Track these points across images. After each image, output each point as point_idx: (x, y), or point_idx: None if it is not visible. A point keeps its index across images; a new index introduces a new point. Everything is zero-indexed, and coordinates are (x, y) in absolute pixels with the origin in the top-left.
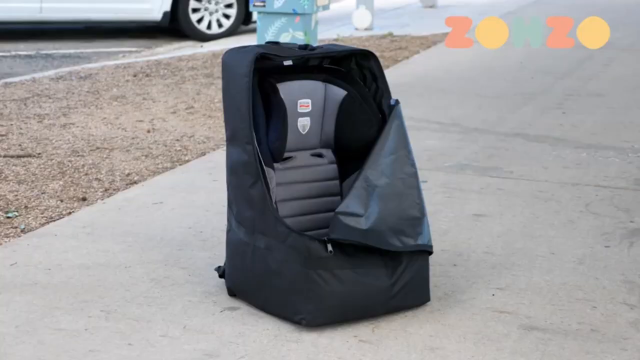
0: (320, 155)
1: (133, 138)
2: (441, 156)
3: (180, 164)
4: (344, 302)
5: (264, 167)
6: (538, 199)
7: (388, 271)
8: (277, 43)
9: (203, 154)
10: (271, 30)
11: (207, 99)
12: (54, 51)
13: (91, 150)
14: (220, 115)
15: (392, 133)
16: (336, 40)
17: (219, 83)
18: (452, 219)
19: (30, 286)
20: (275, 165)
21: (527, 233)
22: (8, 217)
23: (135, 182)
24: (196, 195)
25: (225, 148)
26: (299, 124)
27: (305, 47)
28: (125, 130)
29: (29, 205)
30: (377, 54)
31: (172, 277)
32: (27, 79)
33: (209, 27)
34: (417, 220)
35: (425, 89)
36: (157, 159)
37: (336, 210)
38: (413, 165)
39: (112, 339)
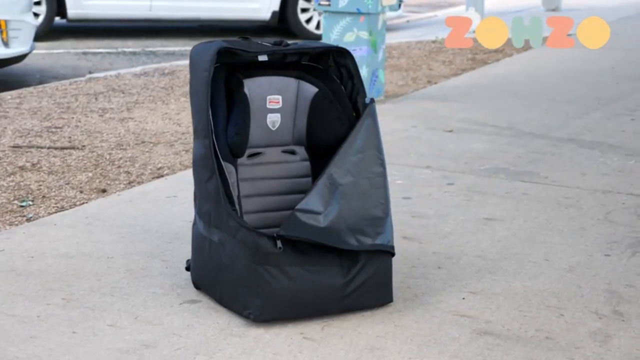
0: (292, 152)
1: (183, 133)
2: (480, 159)
3: None
4: (294, 299)
5: (221, 161)
6: (559, 205)
7: (343, 270)
8: (247, 38)
9: None
10: (336, 30)
11: None
12: (160, 48)
13: (136, 144)
14: None
15: (362, 131)
16: (434, 42)
17: None
18: (459, 222)
19: (5, 272)
20: (241, 160)
21: (530, 239)
22: (21, 206)
23: (162, 176)
24: None
25: None
26: (268, 120)
27: (279, 42)
28: (180, 126)
29: (47, 195)
30: (469, 56)
31: (148, 269)
32: (111, 74)
33: (317, 27)
34: (378, 220)
35: (498, 92)
36: (182, 150)
37: (296, 207)
38: (382, 165)
39: (59, 326)
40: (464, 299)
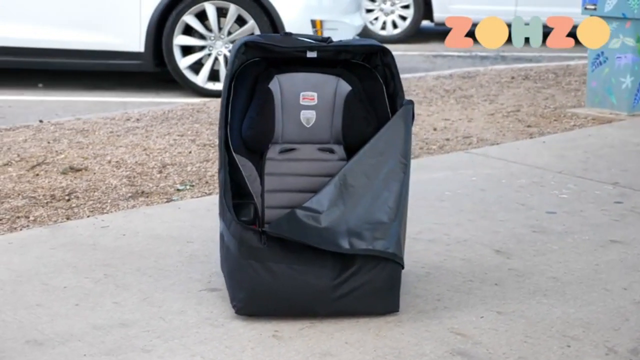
0: (331, 151)
1: None
2: None
3: None
4: (277, 296)
5: (234, 154)
6: None
7: (333, 272)
8: (289, 34)
9: (447, 151)
10: None
11: (543, 105)
12: (513, 53)
13: None
14: (532, 119)
15: (388, 133)
16: None
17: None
18: (578, 242)
19: (86, 246)
20: (272, 155)
21: (636, 267)
22: (178, 190)
23: None
24: None
25: None
26: (302, 116)
27: (325, 39)
28: (414, 126)
29: (211, 182)
30: None
31: (210, 256)
32: (415, 75)
33: None
34: (381, 225)
35: None
36: None
37: (302, 205)
38: (403, 169)
39: (70, 298)
40: (482, 317)
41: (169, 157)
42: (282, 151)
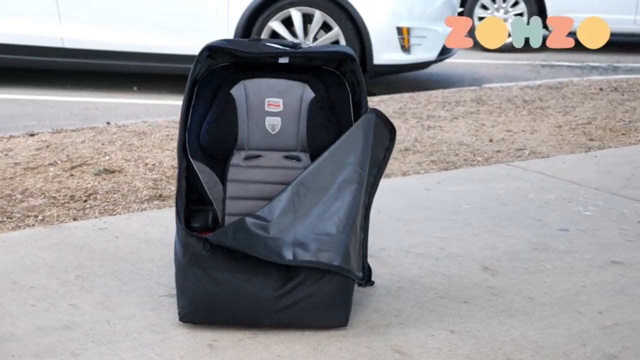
0: (297, 159)
1: (459, 143)
2: None
3: (444, 170)
4: (219, 305)
5: (191, 160)
6: None
7: (278, 283)
8: (258, 39)
9: (491, 163)
10: None
11: (618, 118)
12: (625, 64)
13: (399, 150)
14: (599, 132)
15: (346, 142)
16: None
17: None
18: (577, 260)
19: (73, 247)
20: (236, 161)
21: (624, 290)
22: None
23: None
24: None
25: None
26: (266, 123)
27: (294, 45)
28: (470, 136)
29: None
30: None
31: None
32: (502, 85)
33: None
34: (328, 236)
35: None
36: (427, 160)
37: (254, 213)
38: (357, 180)
39: (29, 299)
40: (432, 336)
41: None
42: (247, 158)
